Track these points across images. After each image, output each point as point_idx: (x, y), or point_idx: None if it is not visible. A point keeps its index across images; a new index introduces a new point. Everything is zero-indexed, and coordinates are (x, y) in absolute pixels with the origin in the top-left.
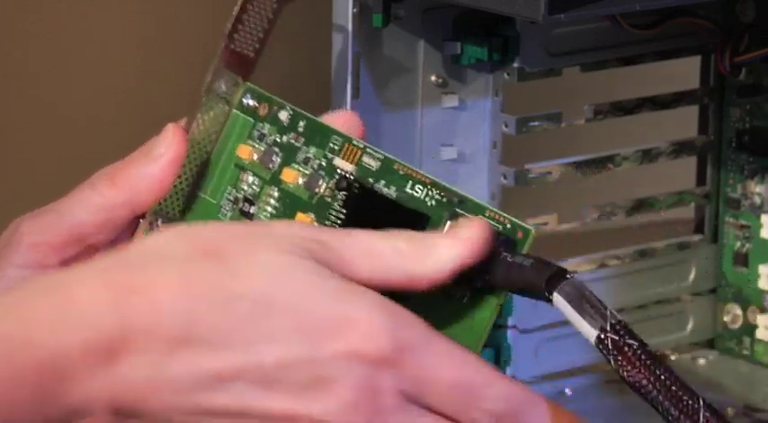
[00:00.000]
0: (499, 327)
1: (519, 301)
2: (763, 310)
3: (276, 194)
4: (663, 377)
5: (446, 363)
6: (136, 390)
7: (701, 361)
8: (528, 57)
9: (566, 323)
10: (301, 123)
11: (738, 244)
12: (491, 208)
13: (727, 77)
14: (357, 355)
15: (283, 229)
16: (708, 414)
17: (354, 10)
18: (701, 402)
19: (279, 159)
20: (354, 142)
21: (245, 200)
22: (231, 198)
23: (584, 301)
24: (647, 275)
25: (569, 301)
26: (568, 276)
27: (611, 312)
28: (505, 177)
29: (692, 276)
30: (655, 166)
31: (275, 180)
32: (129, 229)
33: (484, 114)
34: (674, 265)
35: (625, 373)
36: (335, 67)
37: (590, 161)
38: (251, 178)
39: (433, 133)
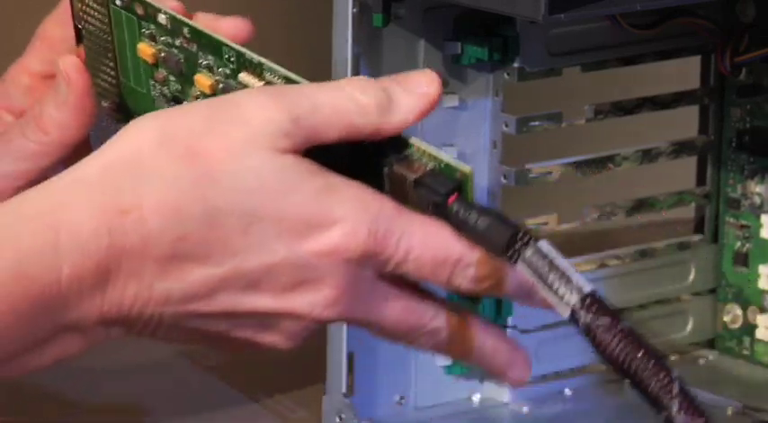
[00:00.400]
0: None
1: None
2: (763, 310)
3: (199, 96)
4: (637, 356)
5: (426, 245)
6: (126, 306)
7: (701, 361)
8: (528, 57)
9: (565, 323)
10: (185, 29)
11: (738, 244)
12: (418, 142)
13: (728, 77)
14: (339, 252)
15: (259, 117)
16: (680, 389)
17: (354, 10)
18: (675, 377)
19: (184, 63)
20: (247, 56)
21: (174, 99)
22: (157, 93)
23: (549, 272)
24: (647, 275)
25: (533, 273)
26: (528, 241)
27: (577, 285)
28: (506, 177)
29: (692, 276)
30: (655, 166)
31: (190, 82)
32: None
33: (484, 114)
34: (674, 265)
35: (600, 353)
36: (335, 67)
37: (590, 161)
38: (169, 77)
39: (433, 133)
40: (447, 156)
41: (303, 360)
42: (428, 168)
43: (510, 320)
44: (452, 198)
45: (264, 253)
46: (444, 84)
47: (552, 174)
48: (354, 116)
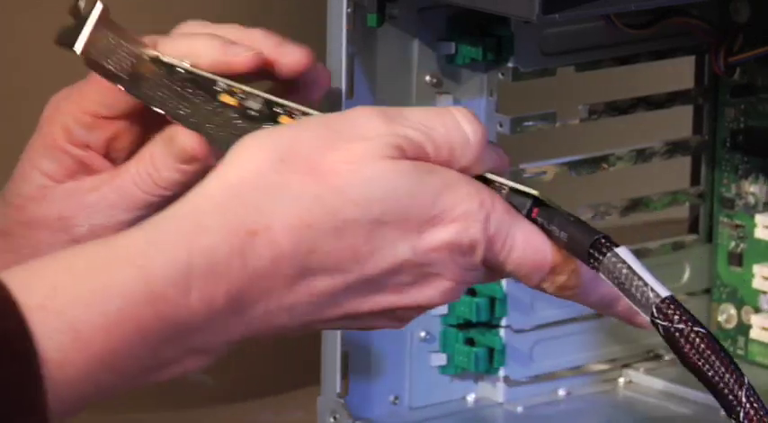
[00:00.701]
0: (493, 326)
1: (513, 302)
2: (757, 311)
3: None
4: (710, 361)
5: (528, 245)
6: (255, 325)
7: None
8: (522, 56)
9: (560, 323)
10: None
11: (733, 244)
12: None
13: (722, 77)
14: (455, 246)
15: (374, 132)
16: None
17: (349, 10)
18: (745, 384)
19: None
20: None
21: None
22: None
23: (628, 277)
24: None
25: (613, 278)
26: (608, 248)
27: (655, 290)
28: None
29: (686, 276)
30: (649, 165)
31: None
32: None
33: (478, 114)
34: (669, 265)
35: (678, 356)
36: (330, 67)
37: (584, 161)
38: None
39: None
40: (511, 182)
41: (298, 360)
42: (503, 192)
43: (504, 321)
44: (535, 212)
45: (389, 255)
46: (438, 84)
47: (546, 174)
48: (458, 147)
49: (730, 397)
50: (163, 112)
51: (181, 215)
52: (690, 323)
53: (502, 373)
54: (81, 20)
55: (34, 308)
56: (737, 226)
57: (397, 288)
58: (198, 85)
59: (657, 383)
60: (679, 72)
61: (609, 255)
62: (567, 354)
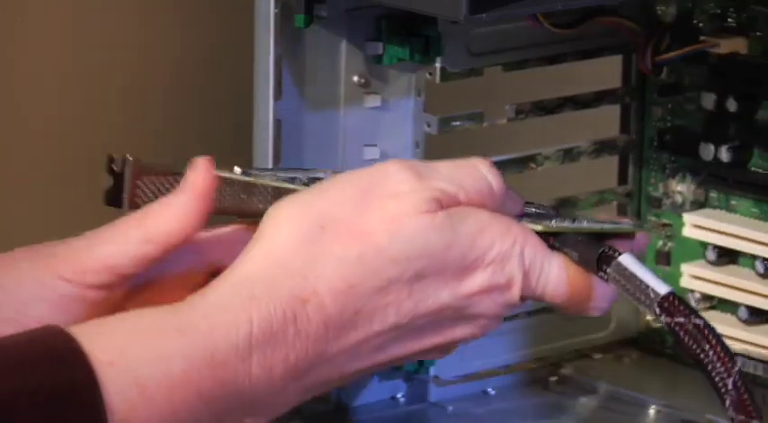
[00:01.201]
0: None
1: None
2: None
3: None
4: (705, 350)
5: (561, 276)
6: (309, 387)
7: (625, 360)
8: (450, 56)
9: None
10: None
11: (660, 243)
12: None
13: (649, 77)
14: (493, 288)
15: (406, 189)
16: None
17: (276, 10)
18: (734, 372)
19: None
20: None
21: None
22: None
23: (632, 284)
24: None
25: (619, 285)
26: (611, 258)
27: (655, 289)
28: None
29: None
30: (576, 165)
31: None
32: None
33: (406, 114)
34: None
35: (681, 346)
36: (258, 68)
37: (512, 161)
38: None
39: (355, 133)
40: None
41: None
42: None
43: None
44: (551, 240)
45: (431, 304)
46: (366, 84)
47: None
48: (485, 195)
49: (720, 384)
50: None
51: (236, 283)
52: (688, 315)
53: (431, 372)
54: (118, 176)
55: (104, 363)
56: (665, 225)
57: (440, 330)
58: (250, 187)
59: (587, 382)
60: (606, 71)
61: (613, 264)
62: (496, 353)
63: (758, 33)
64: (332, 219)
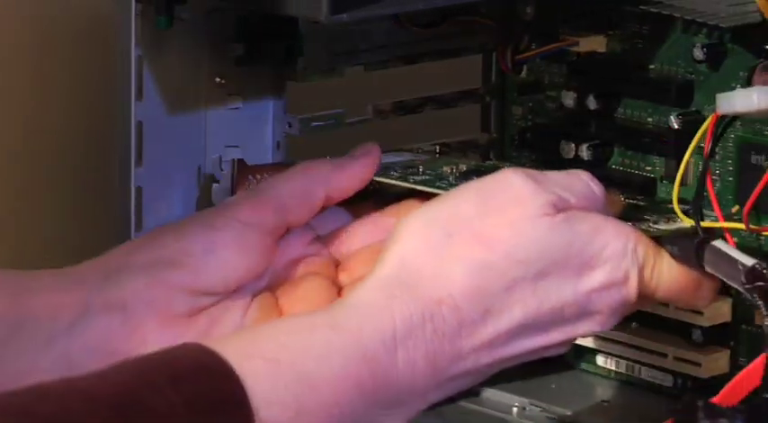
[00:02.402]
0: None
1: None
2: None
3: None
4: None
5: (672, 270)
6: (444, 382)
7: None
8: (311, 57)
9: None
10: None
11: None
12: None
13: (509, 75)
14: (609, 285)
15: (527, 194)
16: None
17: (137, 11)
18: None
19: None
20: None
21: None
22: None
23: (721, 263)
24: None
25: (715, 270)
26: (705, 245)
27: (741, 265)
28: None
29: None
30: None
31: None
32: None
33: (268, 115)
34: None
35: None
36: (120, 69)
37: None
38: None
39: (217, 134)
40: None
41: None
42: None
43: None
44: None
45: (553, 301)
46: (228, 85)
47: None
48: (592, 200)
49: None
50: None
51: (374, 288)
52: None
53: None
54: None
55: (271, 360)
56: None
57: (562, 327)
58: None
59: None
60: (468, 71)
61: (708, 248)
62: None
63: (617, 32)
64: (458, 225)
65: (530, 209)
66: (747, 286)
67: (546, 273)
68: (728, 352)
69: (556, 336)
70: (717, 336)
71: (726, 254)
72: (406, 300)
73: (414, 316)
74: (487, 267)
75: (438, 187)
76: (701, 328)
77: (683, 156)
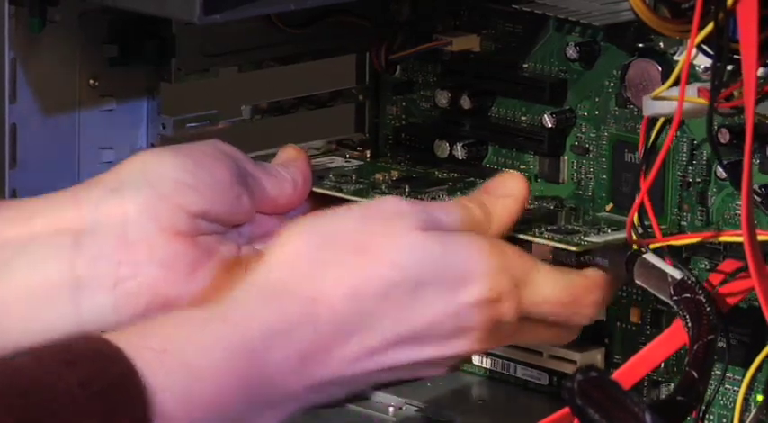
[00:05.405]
0: None
1: None
2: None
3: None
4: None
5: (551, 286)
6: (316, 384)
7: None
8: (184, 58)
9: None
10: None
11: None
12: None
13: (383, 75)
14: (485, 300)
15: (402, 208)
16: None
17: (10, 14)
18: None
19: None
20: None
21: None
22: None
23: (651, 276)
24: None
25: (641, 280)
26: (635, 258)
27: (671, 278)
28: None
29: None
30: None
31: None
32: None
33: (141, 116)
34: None
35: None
36: None
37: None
38: None
39: (91, 136)
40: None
41: None
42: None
43: None
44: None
45: (429, 312)
46: (102, 87)
47: None
48: (468, 224)
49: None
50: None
51: (257, 282)
52: (694, 292)
53: None
54: None
55: (159, 351)
56: None
57: (437, 341)
58: None
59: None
60: (343, 70)
61: (638, 263)
62: None
63: (490, 31)
64: (338, 234)
65: (407, 221)
66: (675, 298)
67: (421, 283)
68: (603, 349)
69: (430, 351)
70: (592, 334)
71: (656, 267)
72: (286, 299)
73: (290, 312)
74: (364, 273)
75: (372, 197)
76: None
77: (556, 154)
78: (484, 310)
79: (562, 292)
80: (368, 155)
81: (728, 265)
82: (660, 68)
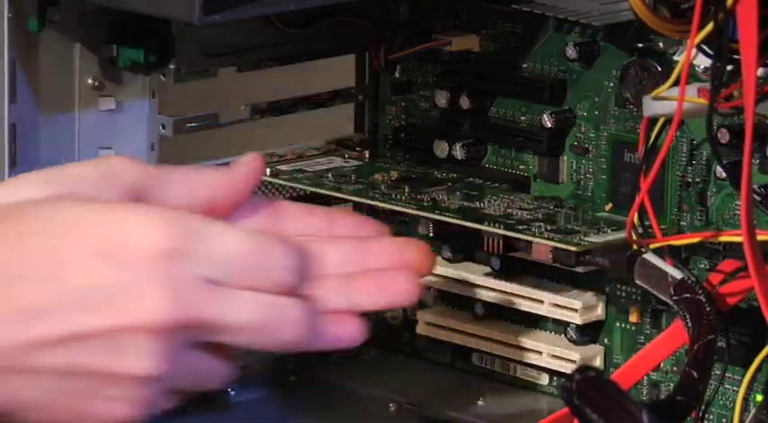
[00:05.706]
0: None
1: None
2: (422, 306)
3: None
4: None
5: (227, 241)
6: None
7: (364, 357)
8: (183, 58)
9: None
10: None
11: None
12: None
13: (382, 75)
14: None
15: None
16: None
17: (9, 14)
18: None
19: None
20: None
21: None
22: None
23: (651, 276)
24: None
25: (642, 280)
26: (635, 260)
27: (671, 278)
28: None
29: None
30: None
31: None
32: None
33: (141, 116)
34: None
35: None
36: None
37: None
38: None
39: (90, 136)
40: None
41: None
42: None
43: None
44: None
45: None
46: (101, 87)
47: None
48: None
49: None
50: None
51: None
52: (694, 292)
53: None
54: None
55: None
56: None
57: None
58: None
59: (326, 381)
60: (342, 70)
61: (638, 263)
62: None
63: (490, 31)
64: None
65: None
66: (675, 298)
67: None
68: (603, 349)
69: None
70: (591, 333)
71: (656, 267)
72: None
73: None
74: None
75: (371, 197)
76: (575, 325)
77: (556, 154)
78: (153, 273)
79: (243, 242)
80: (367, 155)
81: (728, 264)
82: (660, 68)
